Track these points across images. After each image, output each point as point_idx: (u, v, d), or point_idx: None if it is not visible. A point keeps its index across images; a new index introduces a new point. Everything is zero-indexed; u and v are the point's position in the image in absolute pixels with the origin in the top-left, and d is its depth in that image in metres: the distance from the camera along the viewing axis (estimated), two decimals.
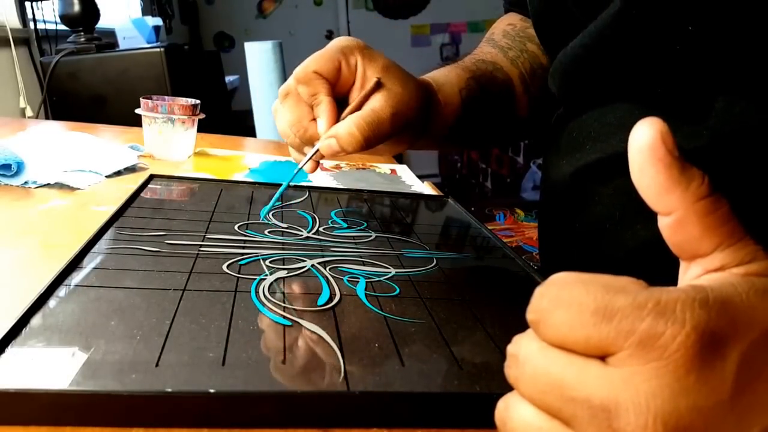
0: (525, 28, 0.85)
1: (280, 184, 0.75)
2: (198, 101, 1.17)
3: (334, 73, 0.64)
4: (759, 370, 0.28)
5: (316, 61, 0.64)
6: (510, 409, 0.32)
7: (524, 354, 0.32)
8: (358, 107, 0.63)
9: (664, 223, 0.32)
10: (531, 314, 0.33)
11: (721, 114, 0.52)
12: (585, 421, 0.28)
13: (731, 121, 0.52)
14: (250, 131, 2.55)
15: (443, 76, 0.77)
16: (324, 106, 0.63)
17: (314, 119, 0.65)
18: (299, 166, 0.67)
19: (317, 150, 0.65)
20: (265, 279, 0.55)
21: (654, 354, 0.27)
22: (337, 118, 0.64)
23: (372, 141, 0.62)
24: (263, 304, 0.50)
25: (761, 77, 0.51)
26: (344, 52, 0.65)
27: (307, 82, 0.64)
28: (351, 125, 0.61)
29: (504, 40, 0.86)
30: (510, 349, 0.34)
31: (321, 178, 1.07)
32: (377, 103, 0.63)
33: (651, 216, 0.32)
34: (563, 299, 0.30)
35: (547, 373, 0.30)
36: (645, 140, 0.31)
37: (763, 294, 0.30)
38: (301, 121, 0.65)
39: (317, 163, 0.68)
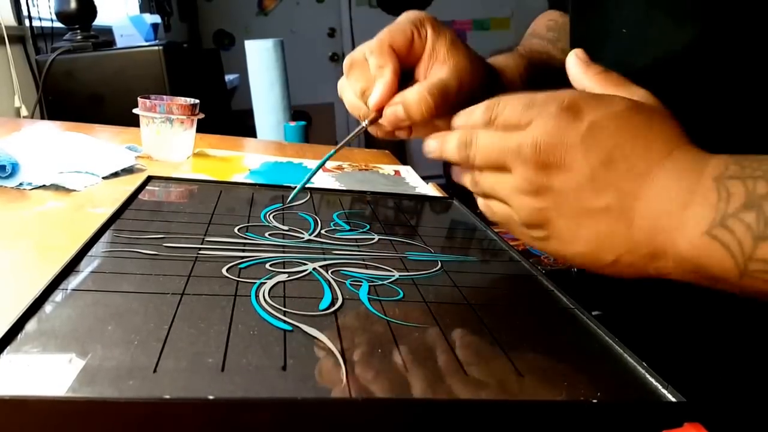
0: (566, 24, 0.86)
1: (281, 186, 0.75)
2: (197, 101, 1.17)
3: (407, 46, 0.66)
4: (604, 128, 0.49)
5: (391, 34, 0.66)
6: (480, 186, 0.57)
7: (479, 139, 0.55)
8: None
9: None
10: (488, 112, 0.54)
11: None
12: (518, 161, 0.51)
13: None
14: (250, 131, 2.55)
15: (503, 61, 0.79)
16: (386, 79, 0.64)
17: None
18: (343, 141, 0.69)
19: (375, 118, 0.66)
20: (265, 283, 0.55)
21: (545, 115, 0.50)
22: (394, 94, 0.64)
23: (440, 109, 0.62)
24: (263, 309, 0.50)
25: None
26: (416, 24, 0.66)
27: (379, 53, 0.65)
28: (422, 90, 0.62)
29: (550, 33, 0.90)
30: (462, 136, 0.56)
31: (323, 180, 1.07)
32: (444, 73, 0.65)
33: None
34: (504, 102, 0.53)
35: (487, 144, 0.54)
36: (570, 60, 0.59)
37: (621, 97, 0.51)
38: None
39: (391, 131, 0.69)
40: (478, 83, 0.67)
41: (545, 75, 0.81)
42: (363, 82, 0.67)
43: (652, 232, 0.47)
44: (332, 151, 0.68)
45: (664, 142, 0.49)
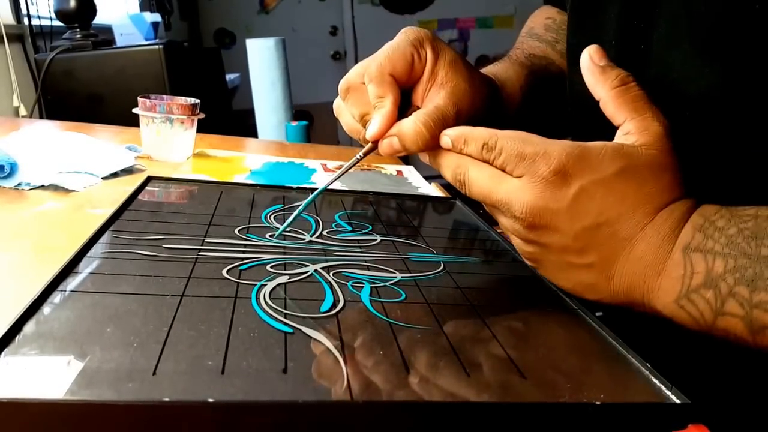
0: (564, 22, 0.86)
1: (283, 186, 0.75)
2: (197, 100, 1.17)
3: (407, 72, 0.65)
4: (591, 196, 0.51)
5: (391, 60, 0.64)
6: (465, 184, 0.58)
7: (470, 175, 0.57)
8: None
9: (600, 105, 0.57)
10: (482, 149, 0.56)
11: None
12: (499, 212, 0.57)
13: None
14: (251, 131, 2.56)
15: (503, 72, 0.79)
16: (385, 110, 0.62)
17: None
18: (338, 173, 0.67)
19: (371, 149, 0.65)
20: (266, 284, 0.55)
21: (534, 177, 0.52)
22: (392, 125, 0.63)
23: (437, 140, 0.61)
24: (264, 311, 0.50)
25: None
26: (415, 45, 0.65)
27: (379, 83, 0.63)
28: (417, 123, 0.61)
29: (548, 34, 0.90)
30: (455, 168, 0.59)
31: (324, 180, 1.07)
32: (441, 100, 0.63)
33: None
34: (501, 141, 0.55)
35: (480, 185, 0.56)
36: (584, 60, 0.58)
37: (614, 154, 0.52)
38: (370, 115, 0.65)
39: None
40: (478, 104, 0.67)
41: (546, 84, 0.82)
42: (361, 107, 0.66)
43: (629, 290, 0.54)
44: (323, 186, 0.66)
45: (651, 203, 0.53)
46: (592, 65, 0.57)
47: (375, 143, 0.64)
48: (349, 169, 0.67)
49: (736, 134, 0.57)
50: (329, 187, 0.66)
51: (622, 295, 0.55)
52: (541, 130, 0.56)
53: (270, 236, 0.67)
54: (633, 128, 0.54)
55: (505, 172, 0.54)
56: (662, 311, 0.53)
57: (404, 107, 0.64)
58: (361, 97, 0.66)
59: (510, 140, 0.54)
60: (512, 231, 0.57)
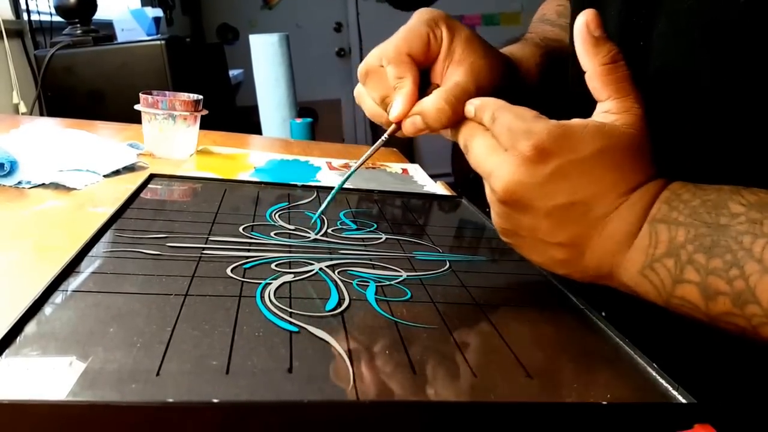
0: None
1: (287, 184, 0.75)
2: (200, 97, 1.18)
3: (424, 51, 0.66)
4: (566, 175, 0.52)
5: (407, 40, 0.66)
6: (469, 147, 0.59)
7: (473, 145, 0.58)
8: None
9: (585, 76, 0.56)
10: (488, 119, 0.57)
11: None
12: (486, 183, 0.57)
13: None
14: (255, 128, 2.56)
15: (519, 51, 0.80)
16: (406, 90, 0.64)
17: None
18: (366, 156, 0.69)
19: (395, 131, 0.66)
20: (270, 283, 0.55)
21: (515, 152, 0.52)
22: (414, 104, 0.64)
23: (459, 114, 0.62)
24: (269, 310, 0.50)
25: None
26: (430, 25, 0.66)
27: (397, 63, 0.65)
28: (439, 100, 0.62)
29: (561, 19, 0.91)
30: (464, 136, 0.60)
31: (330, 178, 1.07)
32: (460, 77, 0.65)
33: None
34: (499, 113, 0.55)
35: (476, 153, 0.58)
36: (578, 25, 0.56)
37: (594, 133, 0.52)
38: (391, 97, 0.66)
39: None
40: (497, 79, 0.68)
41: (561, 64, 0.81)
42: (382, 90, 0.66)
43: (599, 266, 0.56)
44: (353, 169, 0.69)
45: (626, 184, 0.54)
46: (586, 34, 0.55)
47: (398, 124, 0.65)
48: (377, 150, 0.69)
49: (735, 128, 0.57)
50: (332, 185, 0.67)
51: (591, 271, 0.56)
52: (558, 110, 0.57)
53: (303, 232, 0.68)
54: (615, 108, 0.55)
55: (500, 145, 0.55)
56: (628, 283, 0.54)
57: (424, 87, 0.65)
58: (380, 80, 0.67)
59: (507, 113, 0.55)
60: (491, 203, 0.58)
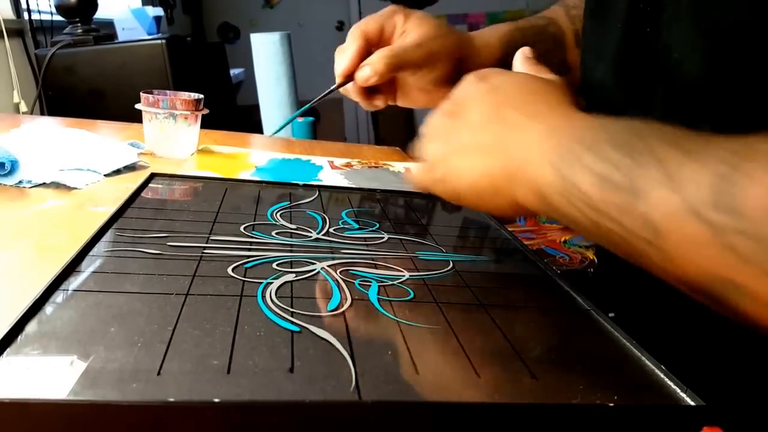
0: None
1: (289, 183, 0.75)
2: (201, 96, 1.17)
3: (377, 30, 0.84)
4: (502, 89, 0.61)
5: (364, 22, 0.84)
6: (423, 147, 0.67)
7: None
8: None
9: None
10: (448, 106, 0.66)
11: None
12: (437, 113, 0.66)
13: None
14: (256, 127, 2.56)
15: (488, 28, 0.94)
16: (349, 51, 0.82)
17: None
18: (325, 92, 0.88)
19: (341, 84, 0.85)
20: (272, 283, 0.55)
21: (463, 81, 0.64)
22: (361, 60, 0.81)
23: (402, 64, 0.80)
24: (270, 309, 0.50)
25: None
26: (388, 13, 0.84)
27: (350, 36, 0.84)
28: (382, 51, 0.80)
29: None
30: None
31: (332, 177, 1.07)
32: (404, 40, 0.82)
33: None
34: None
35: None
36: (517, 61, 0.70)
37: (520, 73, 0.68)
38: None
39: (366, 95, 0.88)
40: (439, 39, 0.83)
41: (529, 42, 0.85)
42: (343, 61, 0.83)
43: (517, 170, 0.56)
44: (300, 110, 0.96)
45: (549, 106, 0.58)
46: (525, 62, 0.72)
47: (348, 78, 0.83)
48: (324, 96, 0.89)
49: (735, 115, 0.57)
50: (338, 185, 0.69)
51: (507, 174, 0.57)
52: None
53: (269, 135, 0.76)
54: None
55: None
56: (541, 187, 0.53)
57: None
58: (342, 53, 0.84)
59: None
60: (431, 123, 0.67)
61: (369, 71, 0.79)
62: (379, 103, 0.89)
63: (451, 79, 0.81)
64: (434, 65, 0.83)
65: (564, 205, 0.51)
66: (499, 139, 0.58)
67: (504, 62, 0.86)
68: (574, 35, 0.93)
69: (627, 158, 0.45)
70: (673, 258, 0.42)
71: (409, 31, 0.82)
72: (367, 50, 0.82)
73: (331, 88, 0.85)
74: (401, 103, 0.92)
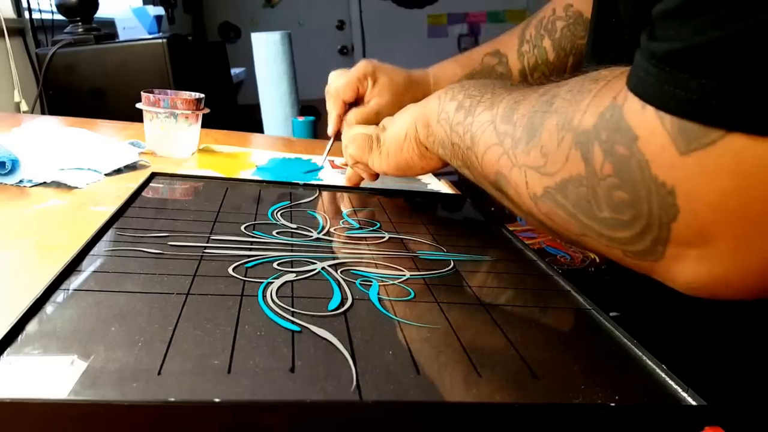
0: (567, 17, 1.06)
1: (289, 182, 0.75)
2: (202, 95, 1.18)
3: (353, 96, 1.06)
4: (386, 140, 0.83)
5: (343, 88, 1.05)
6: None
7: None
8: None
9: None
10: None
11: None
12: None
13: None
14: (257, 126, 2.55)
15: (442, 71, 1.13)
16: (331, 119, 1.07)
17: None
18: (327, 149, 1.15)
19: (332, 142, 1.13)
20: (272, 282, 0.55)
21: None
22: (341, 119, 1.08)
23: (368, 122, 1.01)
24: (271, 309, 0.50)
25: None
26: (360, 78, 1.05)
27: (331, 99, 1.07)
28: (350, 115, 1.05)
29: (531, 30, 1.09)
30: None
31: (332, 177, 1.07)
32: (367, 105, 1.06)
33: None
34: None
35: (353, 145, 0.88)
36: None
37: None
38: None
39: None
40: (399, 95, 1.05)
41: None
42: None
43: (420, 113, 0.75)
44: (319, 165, 1.16)
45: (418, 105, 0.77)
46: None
47: (334, 137, 1.10)
48: (327, 153, 1.15)
49: None
50: (339, 185, 0.73)
51: (411, 125, 0.77)
52: None
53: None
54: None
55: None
56: (428, 115, 0.72)
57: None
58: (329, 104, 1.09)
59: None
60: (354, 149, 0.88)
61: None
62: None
63: None
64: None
65: (437, 129, 0.70)
66: (409, 111, 0.79)
67: None
68: (519, 74, 1.10)
69: (477, 93, 0.62)
70: (481, 161, 0.58)
71: (375, 95, 1.05)
72: (345, 111, 1.06)
73: (328, 145, 1.14)
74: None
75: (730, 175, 0.36)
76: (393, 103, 1.03)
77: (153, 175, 0.85)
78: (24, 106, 2.32)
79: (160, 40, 2.26)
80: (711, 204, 0.37)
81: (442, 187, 1.07)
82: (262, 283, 0.55)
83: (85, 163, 0.97)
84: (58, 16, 2.45)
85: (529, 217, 0.55)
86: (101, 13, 2.47)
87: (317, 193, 0.87)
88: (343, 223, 0.75)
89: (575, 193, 0.45)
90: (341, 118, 1.06)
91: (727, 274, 0.40)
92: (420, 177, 1.13)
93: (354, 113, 1.05)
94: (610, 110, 0.42)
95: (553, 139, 0.47)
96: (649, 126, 0.39)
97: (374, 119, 1.01)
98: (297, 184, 0.91)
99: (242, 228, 0.68)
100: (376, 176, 0.91)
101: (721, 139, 0.35)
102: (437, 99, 0.71)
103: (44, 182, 0.90)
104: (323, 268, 0.60)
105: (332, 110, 1.06)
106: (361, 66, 1.06)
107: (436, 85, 1.10)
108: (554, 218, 0.50)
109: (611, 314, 0.56)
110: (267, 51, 2.43)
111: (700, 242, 0.39)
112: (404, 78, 1.08)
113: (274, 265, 0.59)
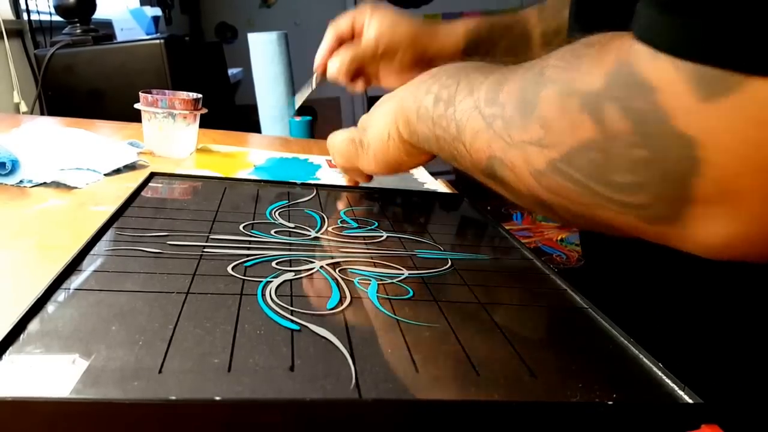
0: None
1: (287, 182, 0.75)
2: (200, 95, 1.17)
3: (348, 30, 1.01)
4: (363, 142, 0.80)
5: (339, 18, 1.01)
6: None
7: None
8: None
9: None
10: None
11: None
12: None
13: None
14: (254, 126, 2.55)
15: (461, 20, 1.06)
16: (322, 49, 1.03)
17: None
18: (311, 83, 1.10)
19: (319, 76, 1.06)
20: (271, 281, 0.55)
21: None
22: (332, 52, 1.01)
23: (360, 60, 0.99)
24: (270, 308, 0.50)
25: None
26: (358, 11, 1.00)
27: (325, 37, 1.02)
28: (343, 52, 0.99)
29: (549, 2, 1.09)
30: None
31: (330, 176, 1.07)
32: (364, 38, 0.99)
33: None
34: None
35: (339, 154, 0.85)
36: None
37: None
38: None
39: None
40: (404, 37, 0.98)
41: (493, 35, 1.05)
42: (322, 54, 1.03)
43: (398, 109, 0.72)
44: (299, 99, 1.18)
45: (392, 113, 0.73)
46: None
47: (321, 72, 1.03)
48: (310, 86, 1.11)
49: None
50: (336, 184, 0.73)
51: (392, 122, 0.73)
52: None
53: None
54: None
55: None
56: (407, 113, 0.68)
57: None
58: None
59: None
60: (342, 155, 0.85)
61: (335, 62, 0.98)
62: (359, 86, 1.04)
63: (418, 64, 0.99)
64: (393, 54, 0.98)
65: (419, 126, 0.66)
66: (383, 107, 0.75)
67: (469, 51, 1.00)
68: (540, 35, 1.04)
69: (453, 82, 0.59)
70: (470, 149, 0.55)
71: (371, 26, 0.98)
72: (339, 45, 1.01)
73: (312, 80, 1.07)
74: (376, 84, 1.06)
75: (757, 125, 0.33)
76: (390, 32, 0.98)
77: (152, 175, 0.85)
78: (23, 107, 2.31)
79: (157, 41, 2.26)
80: (736, 155, 0.35)
81: (438, 186, 1.07)
82: (261, 282, 0.55)
83: (84, 163, 0.97)
84: (57, 18, 2.45)
85: (528, 200, 0.52)
86: (99, 14, 2.46)
87: (315, 192, 0.87)
88: (341, 222, 0.75)
89: (585, 159, 0.43)
90: (330, 53, 1.02)
91: (752, 233, 0.37)
92: (417, 177, 1.13)
93: (346, 48, 1.00)
94: (618, 66, 0.40)
95: (553, 108, 0.44)
96: (665, 74, 0.36)
97: (370, 59, 0.99)
98: (295, 183, 0.91)
99: (241, 227, 0.68)
100: (369, 178, 0.88)
101: (741, 84, 0.33)
102: (411, 95, 0.68)
103: (44, 182, 0.90)
104: (322, 267, 0.60)
105: (323, 43, 1.03)
106: (361, 5, 1.02)
107: (446, 27, 1.05)
108: (560, 192, 0.46)
109: (610, 313, 0.56)
110: (264, 51, 2.43)
111: (723, 199, 0.36)
112: (399, 17, 1.01)
113: (273, 264, 0.59)
